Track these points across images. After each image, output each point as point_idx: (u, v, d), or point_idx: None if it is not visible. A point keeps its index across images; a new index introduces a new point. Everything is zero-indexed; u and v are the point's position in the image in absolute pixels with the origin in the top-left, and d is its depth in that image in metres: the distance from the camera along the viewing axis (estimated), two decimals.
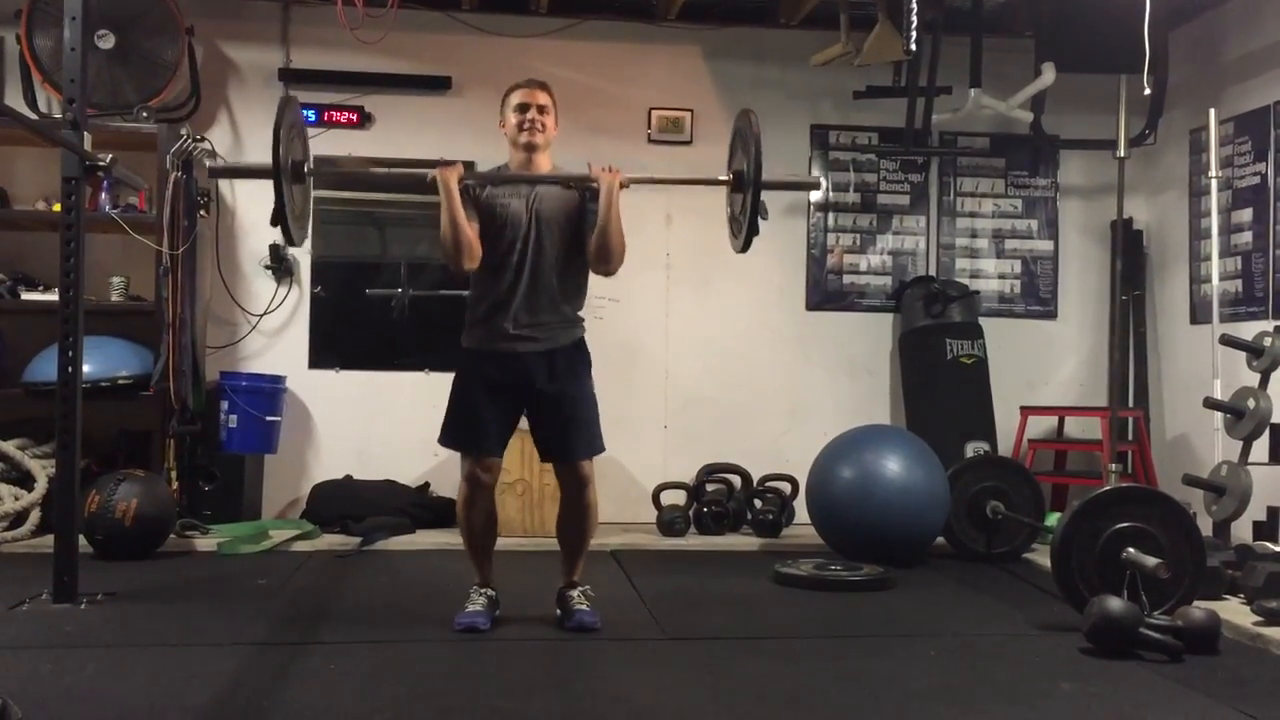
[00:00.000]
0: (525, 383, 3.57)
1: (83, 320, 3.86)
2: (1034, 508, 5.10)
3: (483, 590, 3.67)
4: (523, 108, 3.63)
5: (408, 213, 6.05)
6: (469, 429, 3.60)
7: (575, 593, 3.68)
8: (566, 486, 3.64)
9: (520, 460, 5.28)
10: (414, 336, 5.89)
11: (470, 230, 3.48)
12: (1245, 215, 5.54)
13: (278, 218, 3.43)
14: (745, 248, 3.66)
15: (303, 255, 5.90)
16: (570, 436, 3.59)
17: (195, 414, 5.30)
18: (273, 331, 5.90)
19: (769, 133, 6.00)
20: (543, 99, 3.65)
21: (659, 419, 6.03)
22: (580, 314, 3.71)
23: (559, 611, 3.68)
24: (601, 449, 3.65)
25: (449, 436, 3.65)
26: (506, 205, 3.58)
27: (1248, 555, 4.22)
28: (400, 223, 6.11)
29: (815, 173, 6.27)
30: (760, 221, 3.55)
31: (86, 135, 3.89)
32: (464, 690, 2.93)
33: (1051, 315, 6.41)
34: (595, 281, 5.92)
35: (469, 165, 3.82)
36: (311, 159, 3.78)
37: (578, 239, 3.59)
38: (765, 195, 3.53)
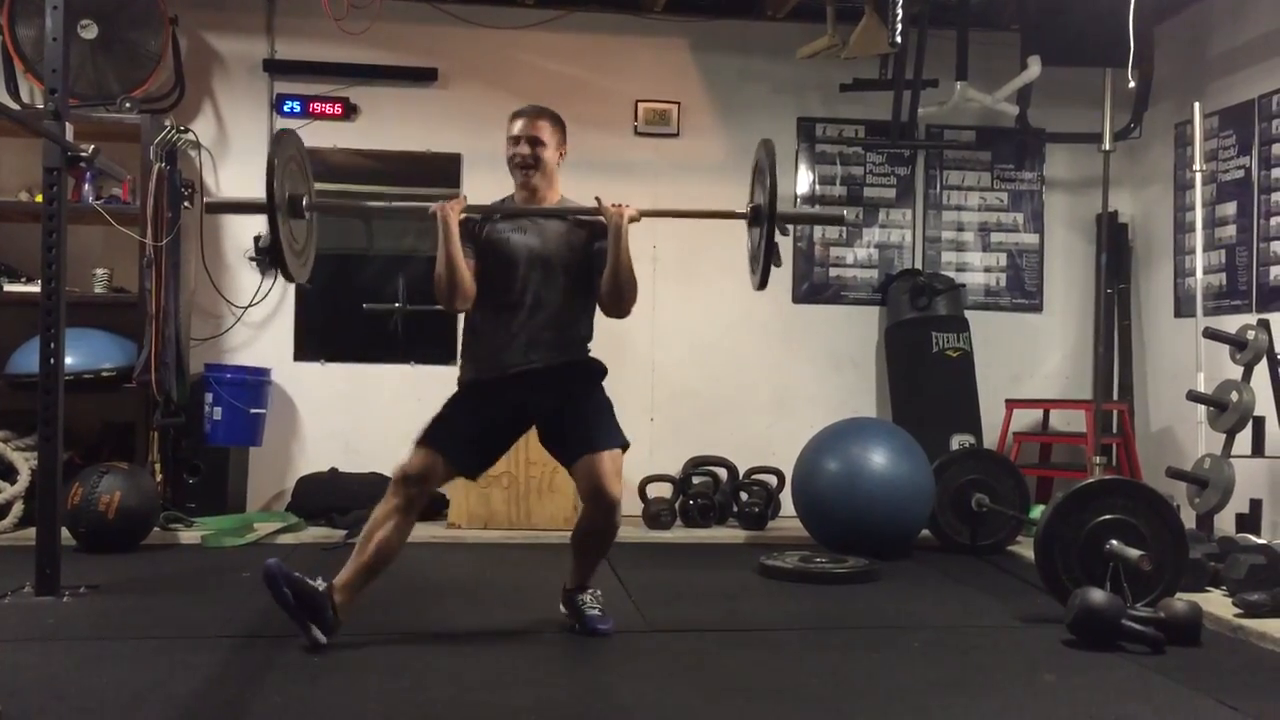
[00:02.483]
0: (529, 402, 3.42)
1: (65, 312, 3.84)
2: (1018, 500, 5.11)
3: (328, 590, 3.24)
4: (515, 140, 3.45)
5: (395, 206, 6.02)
6: (450, 435, 3.37)
7: (587, 596, 3.52)
8: (594, 502, 3.34)
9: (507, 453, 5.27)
10: (400, 330, 5.87)
11: (466, 271, 3.31)
12: (1229, 209, 5.56)
13: (274, 256, 3.29)
14: (763, 284, 3.46)
15: None
16: (591, 428, 3.38)
17: (179, 406, 5.28)
18: (258, 324, 5.88)
19: (756, 124, 6.10)
20: (539, 130, 3.44)
21: (645, 411, 6.02)
22: (589, 346, 3.56)
23: (565, 612, 3.55)
24: (626, 443, 3.42)
25: (427, 434, 3.38)
26: (507, 241, 3.42)
27: (1230, 547, 4.25)
28: (388, 215, 6.08)
29: (801, 165, 6.28)
30: (775, 266, 3.38)
31: (69, 126, 3.86)
32: (447, 684, 2.92)
33: (1037, 308, 6.43)
34: None
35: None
36: (313, 194, 3.55)
37: (585, 277, 3.43)
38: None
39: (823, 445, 5.08)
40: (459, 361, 3.60)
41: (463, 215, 3.37)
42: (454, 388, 3.53)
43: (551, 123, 3.49)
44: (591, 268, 3.44)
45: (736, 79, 6.16)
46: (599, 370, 3.54)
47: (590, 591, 3.55)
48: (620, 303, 3.39)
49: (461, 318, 3.64)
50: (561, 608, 3.58)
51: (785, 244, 6.23)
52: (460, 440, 3.38)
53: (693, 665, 3.19)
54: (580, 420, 3.41)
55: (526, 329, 3.40)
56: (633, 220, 3.35)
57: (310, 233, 3.58)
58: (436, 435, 3.37)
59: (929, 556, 4.98)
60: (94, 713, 2.59)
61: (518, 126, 3.46)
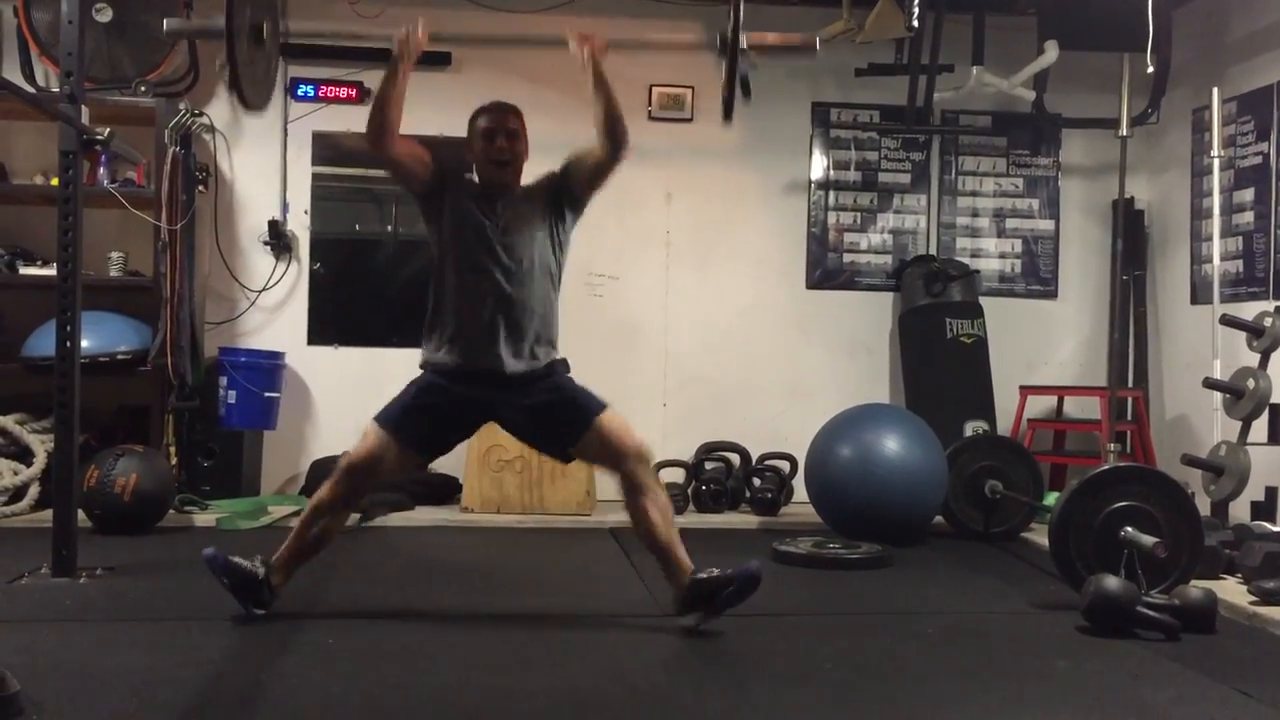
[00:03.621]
0: (496, 399, 3.38)
1: (81, 295, 3.85)
2: (1032, 487, 5.10)
3: (263, 567, 3.32)
4: (490, 134, 3.42)
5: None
6: (409, 421, 3.34)
7: (703, 574, 3.24)
8: (622, 464, 3.27)
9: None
10: (412, 313, 5.85)
11: (399, 112, 3.29)
12: (1247, 195, 5.52)
13: (232, 82, 3.19)
14: (727, 115, 3.34)
15: (302, 231, 5.90)
16: (572, 406, 3.36)
17: (194, 389, 5.30)
18: (272, 308, 5.89)
19: (770, 109, 6.08)
20: (512, 123, 3.44)
21: (658, 397, 6.02)
22: (555, 339, 3.48)
23: (690, 611, 3.28)
24: (605, 404, 3.36)
25: (385, 417, 3.35)
26: (479, 224, 3.38)
27: (1245, 535, 4.23)
28: (401, 199, 6.07)
29: (816, 150, 6.25)
30: (743, 96, 3.29)
31: (84, 109, 3.86)
32: (461, 667, 2.93)
33: (1052, 295, 6.40)
34: (594, 258, 5.98)
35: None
36: (285, 27, 3.52)
37: (555, 248, 3.43)
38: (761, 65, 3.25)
39: (836, 431, 5.07)
40: (425, 336, 3.51)
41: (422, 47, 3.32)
42: None
43: (520, 116, 3.49)
44: (565, 173, 3.44)
45: (751, 63, 6.13)
46: (564, 371, 3.48)
47: (704, 571, 3.25)
48: (616, 129, 3.32)
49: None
50: (682, 613, 3.31)
51: (799, 229, 6.28)
52: (419, 426, 3.36)
53: (705, 650, 3.19)
54: (556, 408, 3.37)
55: (499, 323, 3.35)
56: (604, 51, 3.32)
57: (271, 62, 3.51)
58: (395, 419, 3.35)
59: (942, 543, 4.98)
60: (110, 693, 2.60)
61: (489, 120, 3.44)
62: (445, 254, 3.46)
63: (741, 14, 3.24)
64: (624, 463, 3.30)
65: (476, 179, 3.51)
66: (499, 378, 3.36)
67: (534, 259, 3.41)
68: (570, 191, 3.47)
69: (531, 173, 3.57)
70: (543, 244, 3.44)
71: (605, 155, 3.37)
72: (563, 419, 3.37)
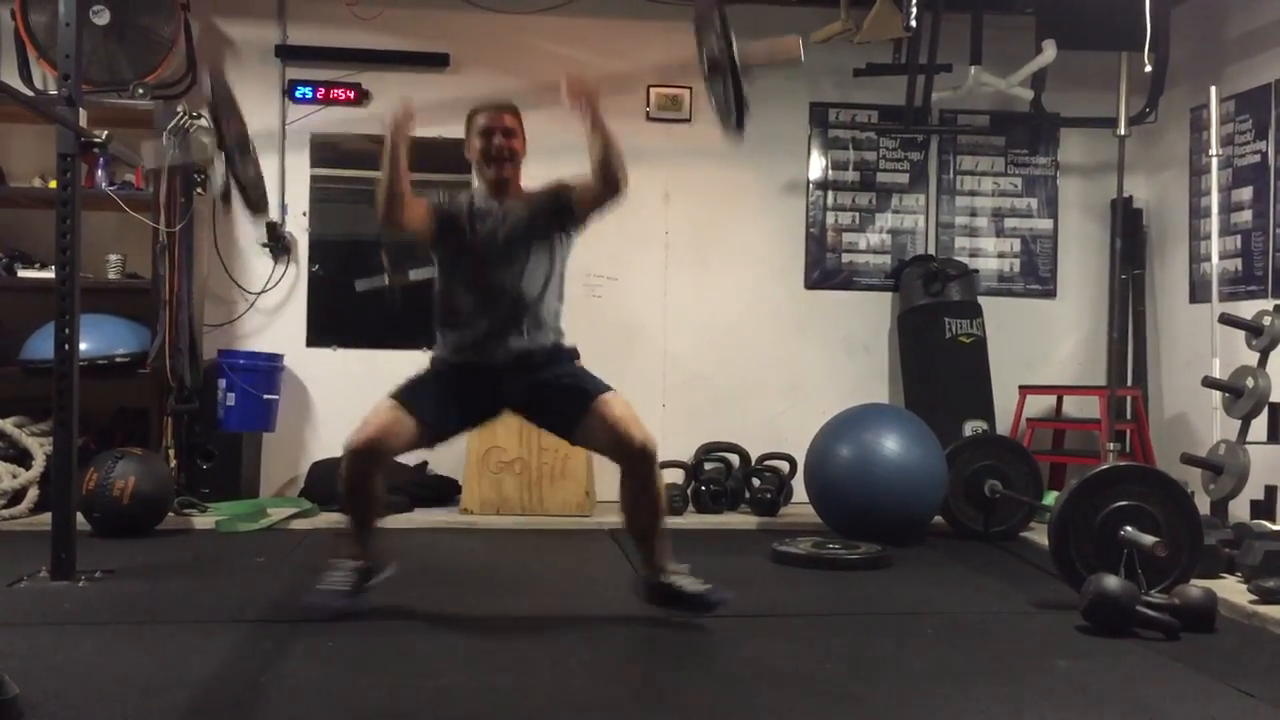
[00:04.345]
0: (505, 380, 3.43)
1: (79, 298, 3.85)
2: (1032, 486, 5.10)
3: (353, 563, 3.42)
4: (488, 132, 3.45)
5: None
6: (423, 394, 3.39)
7: (673, 576, 3.37)
8: (623, 452, 3.29)
9: (518, 439, 5.29)
10: (411, 315, 5.86)
11: (407, 185, 3.30)
12: (1245, 194, 5.53)
13: (226, 195, 3.33)
14: (740, 126, 3.30)
15: (300, 234, 5.90)
16: (577, 386, 3.38)
17: (193, 392, 5.29)
18: (270, 310, 5.89)
19: (768, 109, 6.07)
20: (509, 121, 3.47)
21: (657, 398, 6.02)
22: (561, 326, 3.54)
23: (653, 604, 3.39)
24: (609, 387, 3.38)
25: (400, 388, 3.41)
26: (477, 235, 3.43)
27: (1245, 534, 4.23)
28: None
29: (814, 151, 6.25)
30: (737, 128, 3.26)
31: (82, 112, 3.86)
32: (462, 668, 2.93)
33: (1051, 294, 6.40)
34: (593, 259, 6.00)
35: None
36: (249, 130, 3.60)
37: (555, 249, 3.47)
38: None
39: (835, 431, 5.07)
40: (437, 337, 3.56)
41: (413, 124, 3.32)
42: None
43: (517, 114, 3.51)
44: (561, 221, 3.46)
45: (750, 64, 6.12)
46: (571, 353, 3.54)
47: (675, 569, 3.38)
48: (614, 178, 3.32)
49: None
50: (645, 601, 3.41)
51: (798, 230, 6.28)
52: (430, 395, 3.40)
53: (706, 650, 3.18)
54: (560, 385, 3.41)
55: (504, 321, 3.40)
56: (598, 96, 3.27)
57: (258, 163, 3.60)
58: (407, 390, 3.39)
59: (942, 543, 4.97)
60: (110, 697, 2.60)
61: (487, 119, 3.46)
62: (448, 264, 3.48)
63: (734, 40, 3.22)
64: (628, 455, 3.29)
65: (475, 180, 3.53)
66: (507, 359, 3.40)
67: (535, 258, 3.44)
68: (572, 217, 3.50)
69: (533, 174, 3.58)
70: (543, 245, 3.47)
71: (602, 197, 3.40)
72: (566, 397, 3.39)
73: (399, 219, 3.36)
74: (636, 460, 3.30)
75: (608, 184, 3.35)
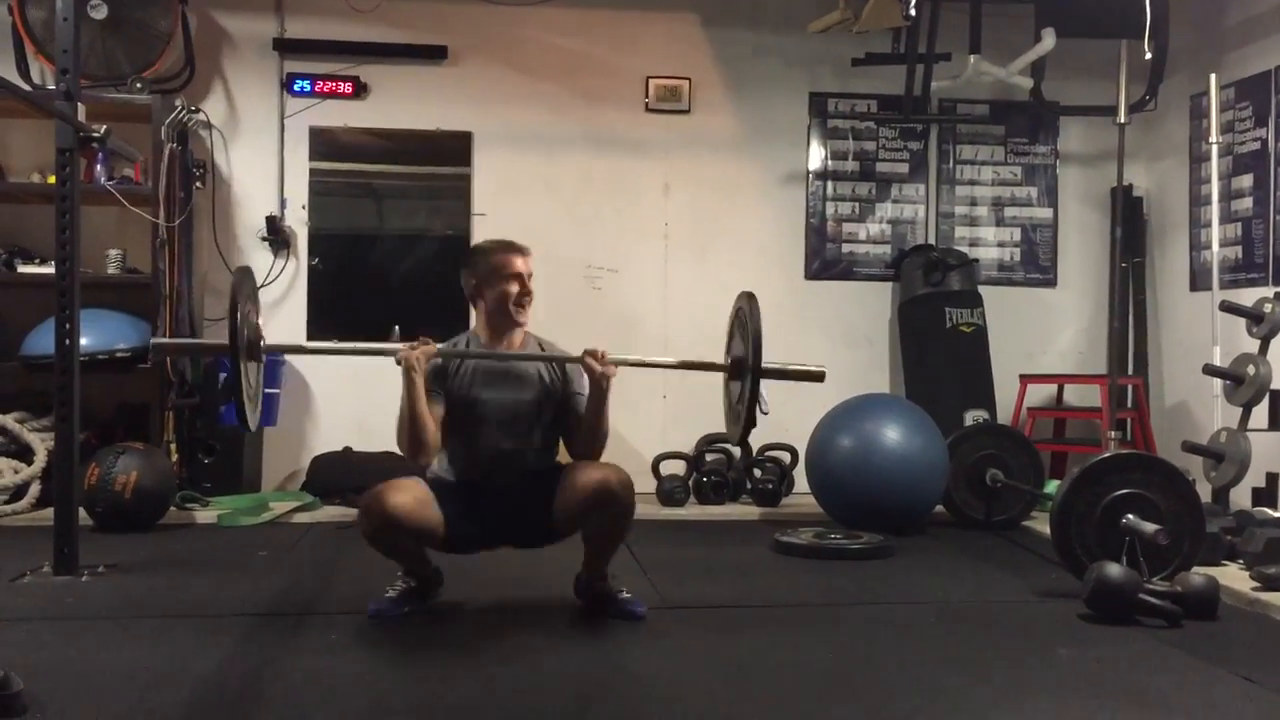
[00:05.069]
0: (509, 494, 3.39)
1: (79, 293, 3.85)
2: (1033, 475, 5.10)
3: (406, 578, 3.43)
4: (519, 278, 3.36)
5: (406, 184, 6.02)
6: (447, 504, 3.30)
7: (613, 584, 3.45)
8: (597, 493, 3.23)
9: None
10: (412, 308, 5.87)
11: (431, 424, 3.22)
12: (1246, 181, 5.52)
13: (236, 403, 3.18)
14: (742, 440, 3.44)
15: (300, 227, 5.89)
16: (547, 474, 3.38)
17: (194, 386, 5.30)
18: (271, 304, 5.87)
19: (767, 100, 6.07)
20: (532, 266, 3.41)
21: (658, 389, 6.02)
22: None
23: (582, 603, 3.46)
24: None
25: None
26: (483, 399, 3.35)
27: (1247, 521, 4.24)
28: (399, 194, 6.06)
29: (814, 141, 6.25)
30: (761, 415, 3.29)
31: (80, 106, 3.86)
32: (464, 660, 2.93)
33: (1051, 283, 6.39)
34: (593, 251, 6.01)
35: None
36: (263, 337, 3.50)
37: (560, 416, 3.42)
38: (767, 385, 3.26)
39: (836, 421, 5.07)
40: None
41: (431, 363, 3.27)
42: None
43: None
44: (566, 410, 3.41)
45: (748, 54, 6.12)
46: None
47: (613, 576, 3.47)
48: (593, 450, 3.35)
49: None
50: (579, 597, 3.49)
51: (797, 220, 6.27)
52: (456, 512, 3.31)
53: (708, 641, 3.19)
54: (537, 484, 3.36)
55: (504, 471, 3.36)
56: (614, 373, 3.26)
57: (259, 374, 3.48)
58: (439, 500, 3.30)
59: (943, 532, 4.98)
60: (113, 691, 2.60)
61: (519, 263, 3.37)
62: (454, 426, 3.38)
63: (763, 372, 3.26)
64: (602, 489, 3.21)
65: (485, 322, 3.44)
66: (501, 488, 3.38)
67: (533, 415, 3.39)
68: (560, 414, 3.44)
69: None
70: (537, 406, 3.40)
71: (572, 452, 3.42)
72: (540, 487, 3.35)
73: (429, 457, 3.30)
74: (613, 491, 3.22)
75: (586, 449, 3.37)
